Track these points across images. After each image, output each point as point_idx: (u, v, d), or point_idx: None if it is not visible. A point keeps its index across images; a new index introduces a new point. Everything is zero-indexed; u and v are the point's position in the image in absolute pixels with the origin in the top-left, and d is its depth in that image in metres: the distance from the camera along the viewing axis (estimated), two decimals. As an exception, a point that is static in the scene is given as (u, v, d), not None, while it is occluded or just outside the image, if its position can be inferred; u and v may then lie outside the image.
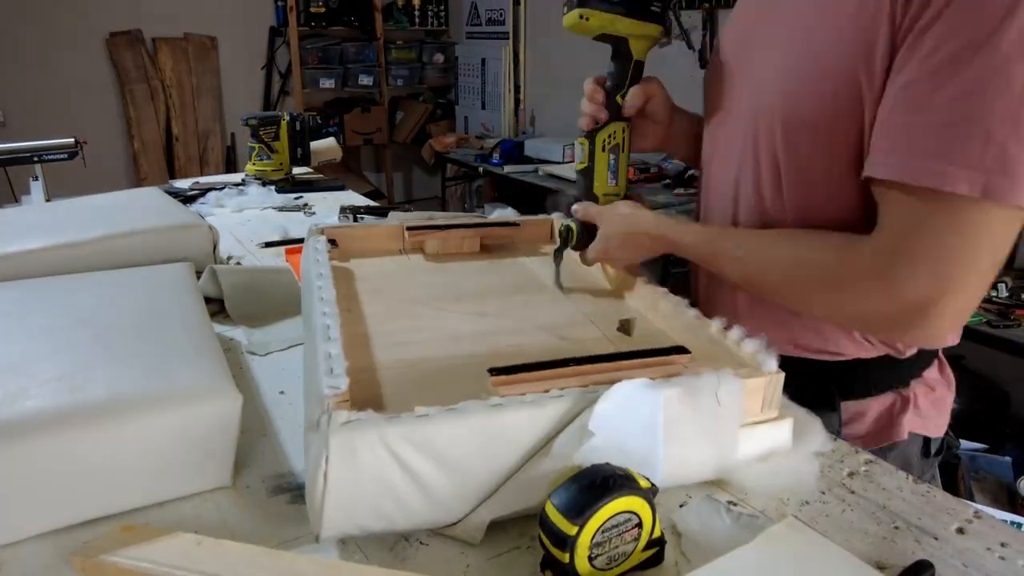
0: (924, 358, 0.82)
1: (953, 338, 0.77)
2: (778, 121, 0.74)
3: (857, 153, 0.68)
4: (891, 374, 0.81)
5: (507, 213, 1.20)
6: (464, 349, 0.75)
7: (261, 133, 1.76)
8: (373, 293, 0.88)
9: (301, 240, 1.33)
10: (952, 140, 0.59)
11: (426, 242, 1.04)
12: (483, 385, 0.61)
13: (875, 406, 0.81)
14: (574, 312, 0.84)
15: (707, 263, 0.81)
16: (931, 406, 0.82)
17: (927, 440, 0.84)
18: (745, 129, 0.79)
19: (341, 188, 1.75)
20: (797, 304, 0.75)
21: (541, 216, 1.11)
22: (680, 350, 0.66)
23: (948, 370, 0.86)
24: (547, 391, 0.58)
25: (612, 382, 0.58)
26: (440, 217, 1.17)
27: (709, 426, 0.59)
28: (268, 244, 1.33)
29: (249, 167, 1.79)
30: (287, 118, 1.77)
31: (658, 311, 0.82)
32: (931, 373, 0.83)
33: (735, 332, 0.68)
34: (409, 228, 1.04)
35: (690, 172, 2.97)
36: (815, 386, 0.76)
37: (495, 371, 0.60)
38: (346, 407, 0.54)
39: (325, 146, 1.84)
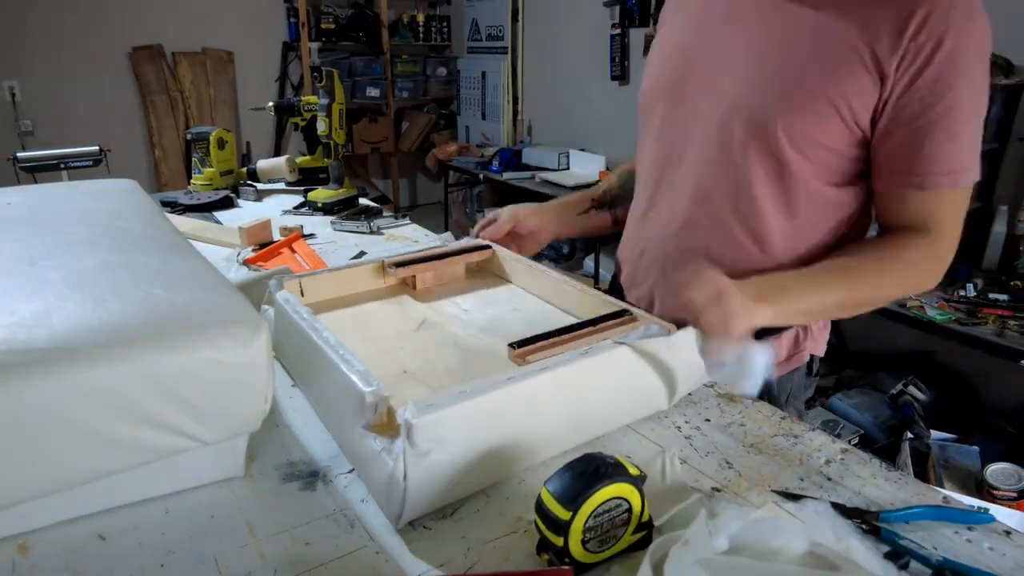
0: None
1: None
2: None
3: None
4: None
5: (446, 237, 1.16)
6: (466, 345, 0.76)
7: (195, 147, 1.71)
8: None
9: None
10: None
11: (418, 276, 0.95)
12: (491, 367, 0.67)
13: (786, 336, 0.94)
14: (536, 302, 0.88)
15: (810, 315, 0.87)
16: (817, 330, 0.97)
17: (812, 359, 0.97)
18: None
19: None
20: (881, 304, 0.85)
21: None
22: (625, 312, 0.79)
23: None
24: (563, 354, 0.65)
25: (607, 339, 0.68)
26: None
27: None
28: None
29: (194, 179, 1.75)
30: (217, 135, 1.71)
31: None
32: None
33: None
34: (395, 264, 0.93)
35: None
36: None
37: (515, 345, 0.67)
38: (386, 406, 0.57)
39: (271, 165, 1.83)
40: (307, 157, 1.86)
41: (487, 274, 1.03)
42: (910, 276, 0.82)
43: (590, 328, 0.75)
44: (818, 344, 0.97)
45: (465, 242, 1.06)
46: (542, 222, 1.11)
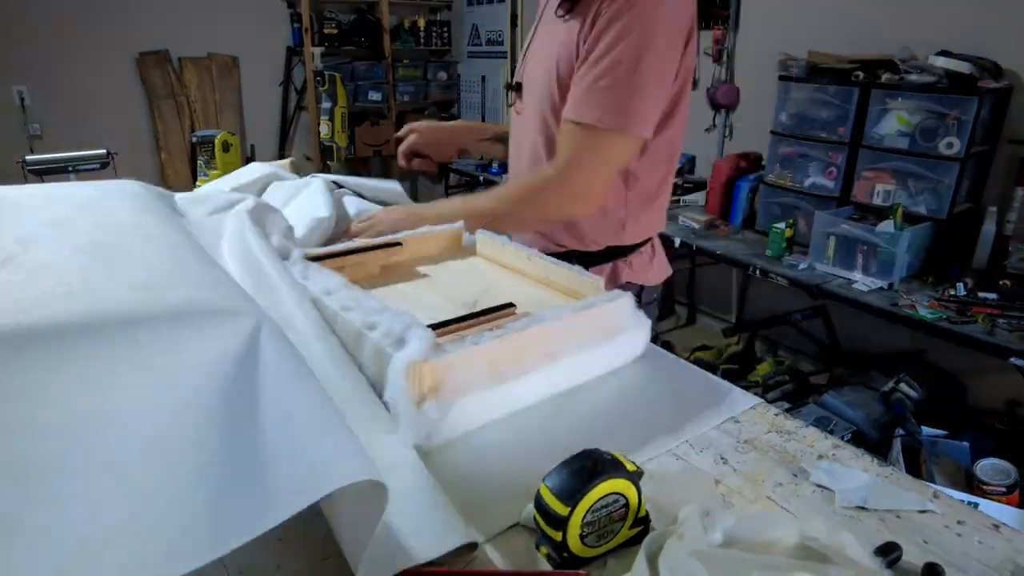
0: (637, 245, 1.19)
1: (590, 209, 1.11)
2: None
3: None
4: (615, 252, 1.17)
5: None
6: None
7: (201, 150, 1.72)
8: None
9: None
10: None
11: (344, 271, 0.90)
12: None
13: (606, 268, 1.17)
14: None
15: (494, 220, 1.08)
16: (642, 266, 1.19)
17: (641, 288, 1.19)
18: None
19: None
20: (530, 222, 1.14)
21: (424, 230, 1.02)
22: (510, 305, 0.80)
23: (656, 247, 1.24)
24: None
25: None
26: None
27: None
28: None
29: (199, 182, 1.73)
30: (222, 138, 1.71)
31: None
32: (645, 249, 1.20)
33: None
34: (312, 258, 0.87)
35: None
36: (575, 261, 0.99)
37: (434, 326, 0.68)
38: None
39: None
40: None
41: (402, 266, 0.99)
42: (533, 196, 1.07)
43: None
44: (644, 276, 1.19)
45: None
46: (452, 135, 1.35)
